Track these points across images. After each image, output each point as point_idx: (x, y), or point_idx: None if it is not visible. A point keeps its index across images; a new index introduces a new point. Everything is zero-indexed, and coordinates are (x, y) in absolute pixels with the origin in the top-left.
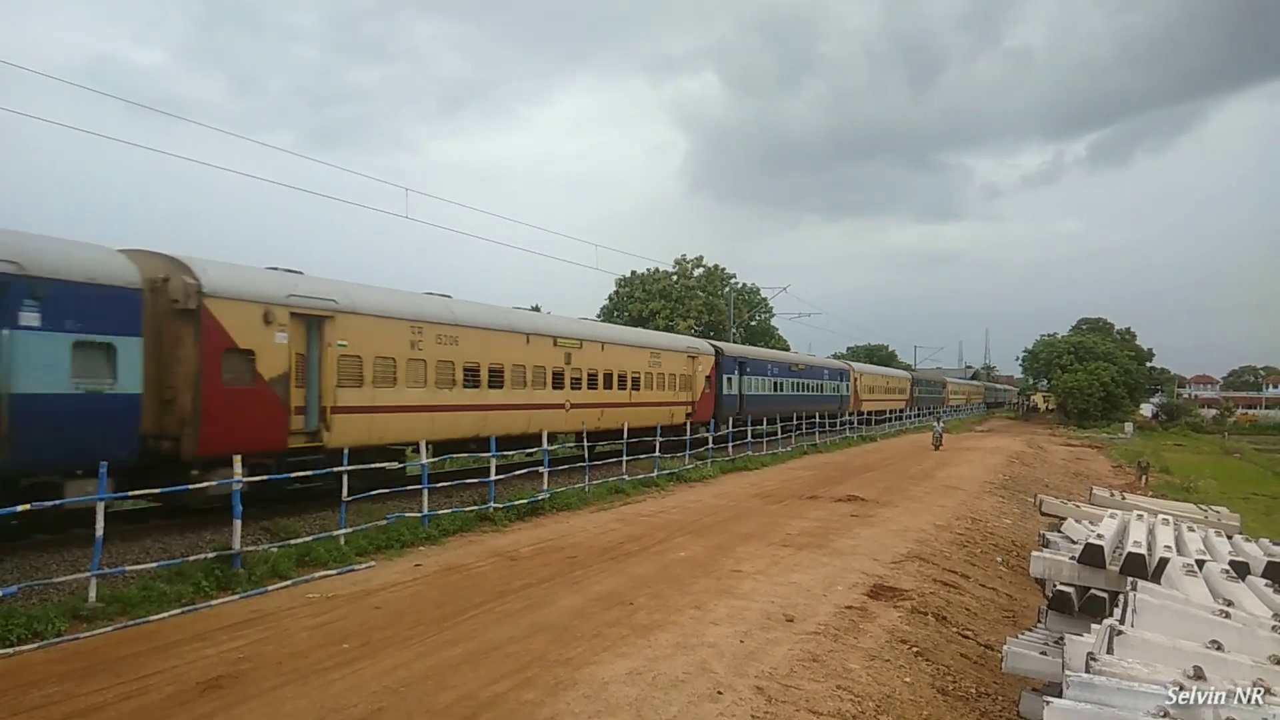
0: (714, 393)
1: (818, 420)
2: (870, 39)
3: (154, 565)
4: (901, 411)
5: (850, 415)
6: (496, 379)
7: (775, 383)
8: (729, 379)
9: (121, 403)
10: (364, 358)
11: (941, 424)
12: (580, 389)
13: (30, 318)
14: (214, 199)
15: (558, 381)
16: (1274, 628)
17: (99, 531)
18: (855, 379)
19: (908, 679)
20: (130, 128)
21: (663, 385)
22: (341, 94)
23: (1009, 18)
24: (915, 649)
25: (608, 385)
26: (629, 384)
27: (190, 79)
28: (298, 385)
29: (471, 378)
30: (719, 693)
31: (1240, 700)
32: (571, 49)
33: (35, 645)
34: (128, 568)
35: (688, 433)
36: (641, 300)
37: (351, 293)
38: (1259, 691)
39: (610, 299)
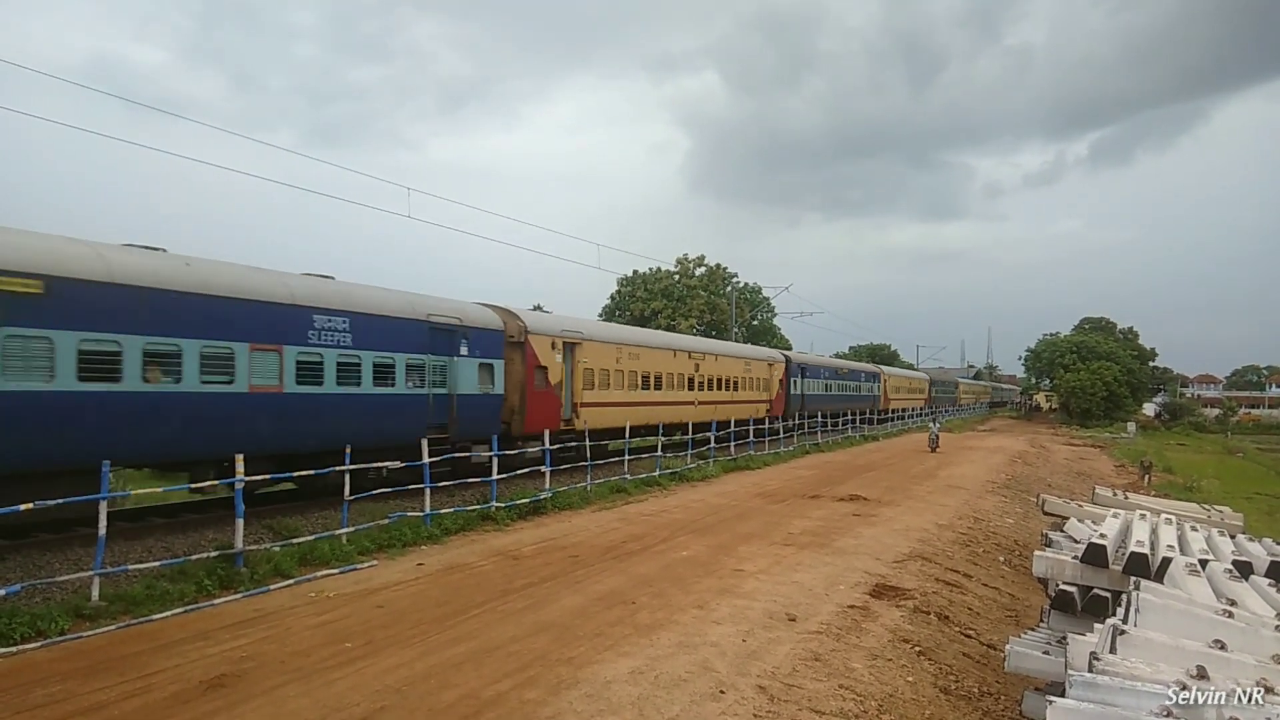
0: (784, 393)
1: (854, 416)
2: (871, 37)
3: (157, 564)
4: (920, 409)
5: (881, 412)
6: (659, 384)
7: (826, 384)
8: (794, 381)
9: (496, 400)
10: (595, 370)
11: (938, 424)
12: (704, 390)
13: (464, 350)
14: (214, 198)
15: (690, 385)
16: (1277, 627)
17: (102, 530)
18: (885, 380)
19: (910, 678)
20: (130, 127)
21: (753, 387)
22: (341, 92)
23: (1009, 16)
24: (918, 648)
25: (720, 387)
26: (733, 386)
27: (190, 77)
28: (565, 389)
29: (648, 383)
30: (721, 692)
31: (1243, 700)
32: (571, 48)
33: (38, 644)
34: (130, 566)
35: (766, 424)
36: (643, 300)
37: (587, 327)
38: (1261, 691)
39: (612, 298)
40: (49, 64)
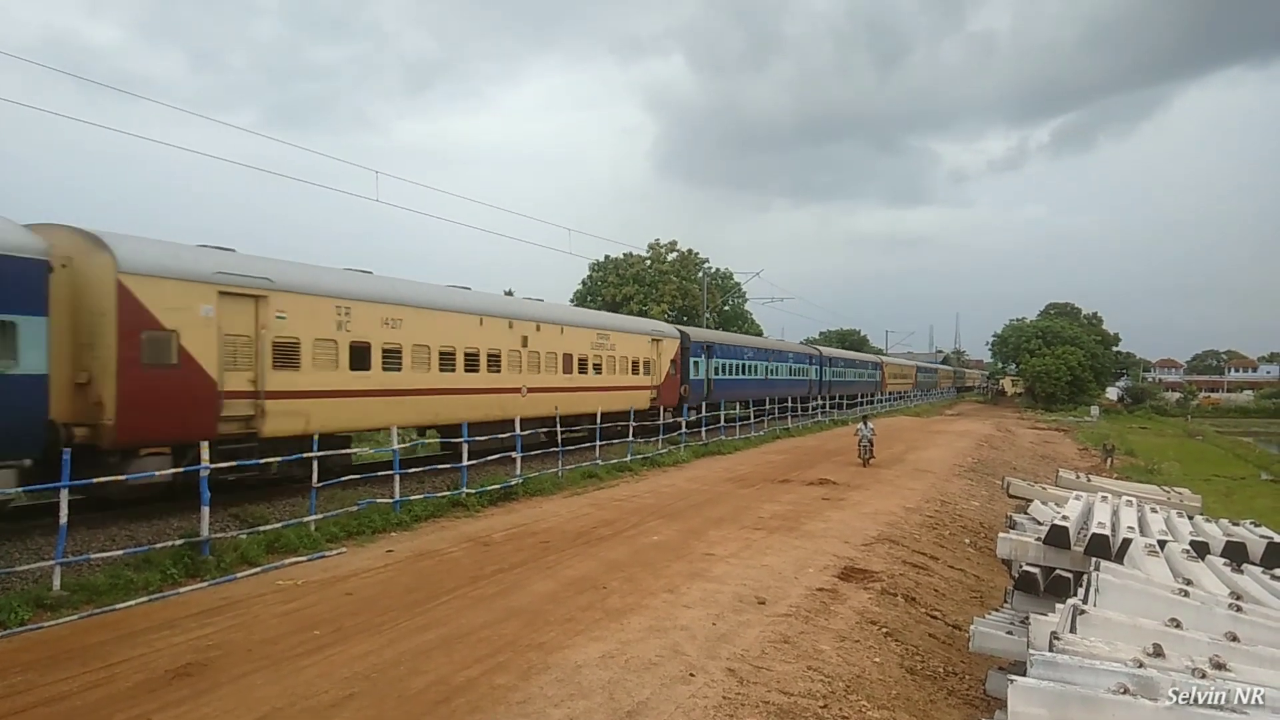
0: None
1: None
2: (836, 21)
3: (120, 553)
4: (908, 391)
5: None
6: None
7: (853, 374)
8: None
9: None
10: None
11: (871, 426)
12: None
13: None
14: (172, 178)
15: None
16: (1231, 606)
17: (63, 518)
18: (884, 367)
19: (877, 659)
20: (85, 106)
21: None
22: (303, 72)
23: (973, 1)
24: (885, 630)
25: (567, 369)
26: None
27: (147, 55)
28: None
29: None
30: (691, 675)
31: (1197, 676)
32: (538, 29)
33: None
34: (93, 555)
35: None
36: (615, 285)
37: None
38: (1216, 668)
39: (584, 283)
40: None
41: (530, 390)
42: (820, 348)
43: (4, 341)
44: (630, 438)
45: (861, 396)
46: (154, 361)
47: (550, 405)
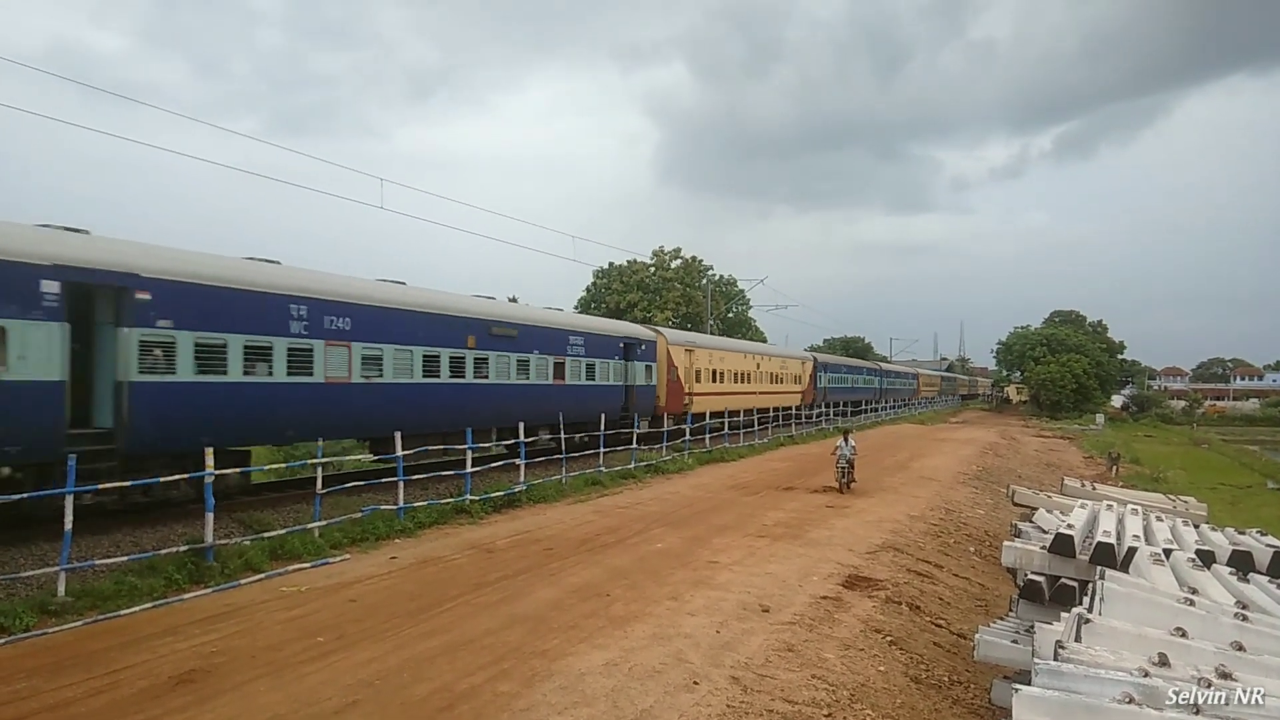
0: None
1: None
2: (837, 29)
3: (124, 559)
4: (932, 398)
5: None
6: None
7: (901, 383)
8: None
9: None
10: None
11: (852, 443)
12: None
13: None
14: (178, 185)
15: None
16: (1237, 615)
17: (67, 524)
18: (919, 377)
19: (881, 668)
20: (91, 114)
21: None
22: (306, 80)
23: (972, 8)
24: (889, 638)
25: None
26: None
27: (151, 63)
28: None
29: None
30: (695, 683)
31: (1203, 685)
32: (539, 36)
33: (2, 641)
34: (97, 561)
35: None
36: (619, 292)
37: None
38: (1221, 677)
39: (588, 290)
40: (7, 50)
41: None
42: (880, 363)
43: None
44: (634, 445)
45: (865, 403)
46: None
47: None
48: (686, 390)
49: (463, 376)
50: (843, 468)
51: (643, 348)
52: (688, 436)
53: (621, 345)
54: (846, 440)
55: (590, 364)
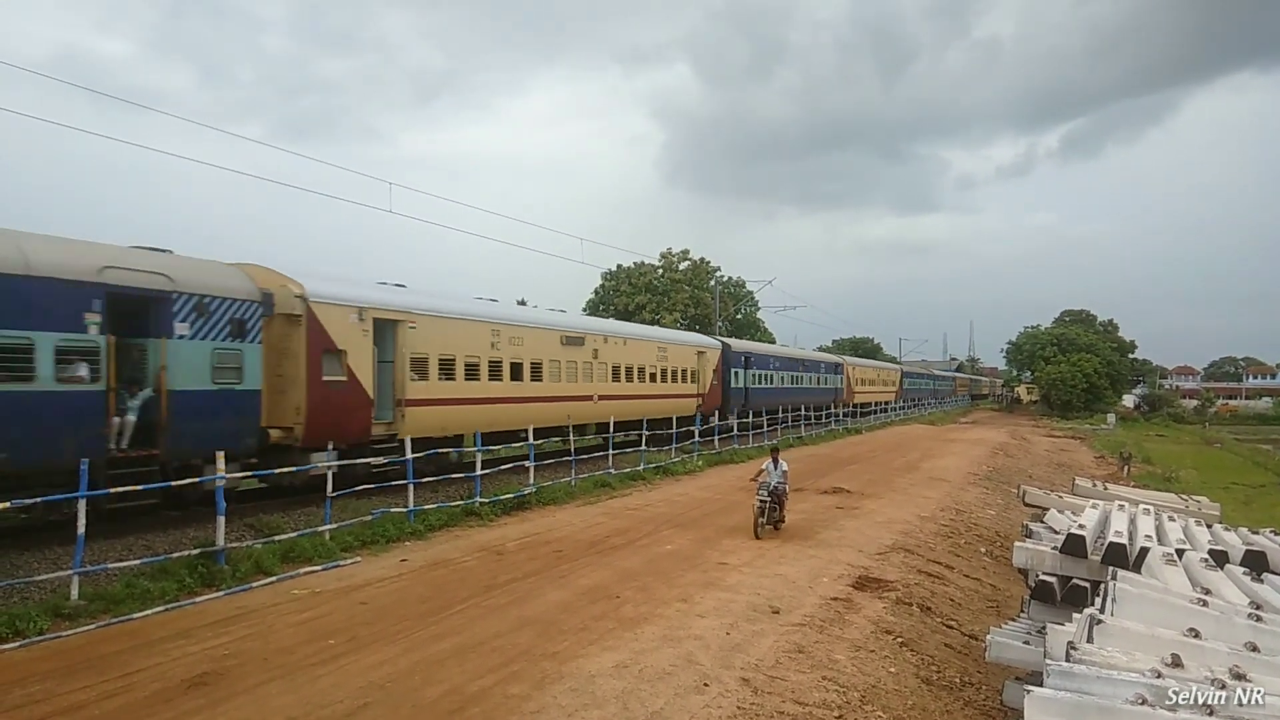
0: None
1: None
2: (841, 29)
3: (137, 562)
4: (959, 396)
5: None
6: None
7: (936, 384)
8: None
9: None
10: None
11: (784, 466)
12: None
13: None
14: (187, 190)
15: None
16: (1250, 615)
17: (81, 528)
18: (956, 380)
19: (892, 669)
20: (99, 120)
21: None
22: (311, 85)
23: (976, 7)
24: (900, 639)
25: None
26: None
27: (157, 69)
28: None
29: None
30: (705, 684)
31: (1216, 686)
32: (542, 39)
33: (17, 644)
34: (110, 565)
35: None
36: (627, 294)
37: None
38: (1235, 678)
39: (596, 292)
40: (14, 57)
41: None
42: (916, 366)
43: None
44: (643, 446)
45: (876, 404)
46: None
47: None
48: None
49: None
50: (764, 502)
51: None
52: (697, 439)
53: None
54: (776, 463)
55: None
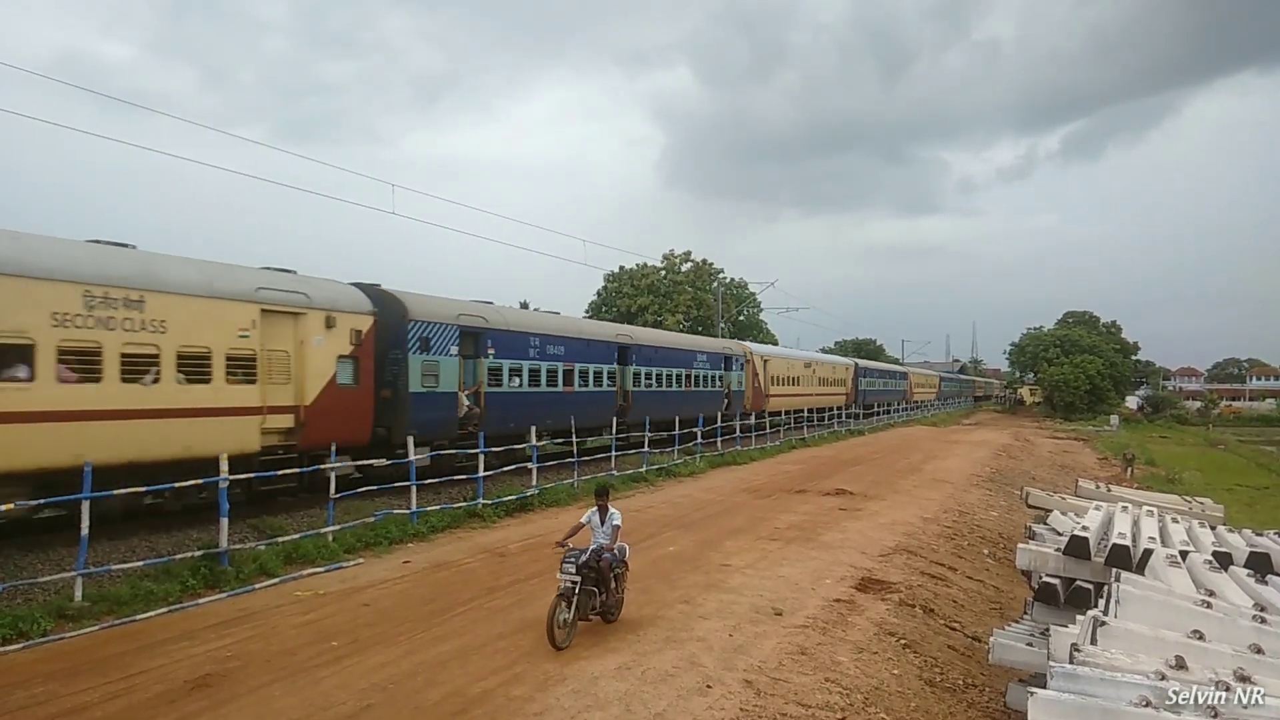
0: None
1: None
2: (841, 31)
3: (141, 564)
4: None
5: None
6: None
7: (956, 385)
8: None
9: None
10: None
11: (616, 517)
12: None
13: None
14: (188, 192)
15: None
16: (1255, 617)
17: (84, 530)
18: (975, 382)
19: (895, 671)
20: (102, 123)
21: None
22: (312, 88)
23: (977, 9)
24: (903, 641)
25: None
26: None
27: (159, 72)
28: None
29: None
30: (708, 686)
31: (1220, 688)
32: (543, 42)
33: (20, 645)
34: (114, 566)
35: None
36: (630, 296)
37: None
38: (1240, 680)
39: (599, 294)
40: (17, 60)
41: None
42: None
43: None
44: (645, 448)
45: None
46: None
47: None
48: None
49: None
50: (572, 583)
51: None
52: (699, 440)
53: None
54: (604, 514)
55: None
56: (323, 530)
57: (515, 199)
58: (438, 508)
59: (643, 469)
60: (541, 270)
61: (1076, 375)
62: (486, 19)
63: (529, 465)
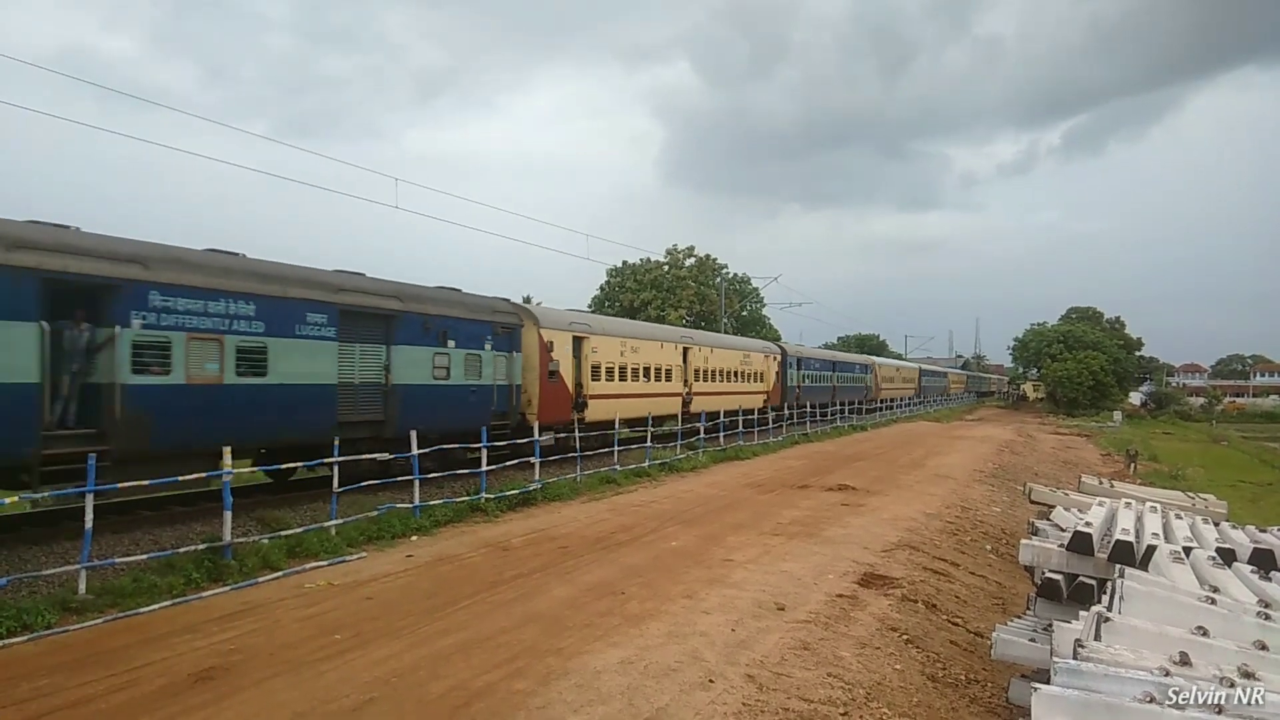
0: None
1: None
2: (841, 27)
3: (144, 557)
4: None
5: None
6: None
7: (979, 381)
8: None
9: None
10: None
11: None
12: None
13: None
14: (191, 186)
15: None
16: (1259, 613)
17: (88, 523)
18: (993, 380)
19: (898, 666)
20: (104, 116)
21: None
22: (314, 83)
23: (978, 5)
24: (905, 636)
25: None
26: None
27: (161, 67)
28: None
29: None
30: (710, 681)
31: (1225, 685)
32: (544, 38)
33: (25, 638)
34: (117, 559)
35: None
36: (633, 290)
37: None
38: (1244, 677)
39: (602, 289)
40: (20, 53)
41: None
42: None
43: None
44: (648, 443)
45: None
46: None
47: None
48: None
49: None
50: None
51: None
52: (702, 435)
53: None
54: None
55: None
56: (326, 524)
57: (518, 195)
58: (440, 502)
59: (645, 464)
60: (544, 265)
61: (1080, 371)
62: (488, 16)
63: (531, 460)
